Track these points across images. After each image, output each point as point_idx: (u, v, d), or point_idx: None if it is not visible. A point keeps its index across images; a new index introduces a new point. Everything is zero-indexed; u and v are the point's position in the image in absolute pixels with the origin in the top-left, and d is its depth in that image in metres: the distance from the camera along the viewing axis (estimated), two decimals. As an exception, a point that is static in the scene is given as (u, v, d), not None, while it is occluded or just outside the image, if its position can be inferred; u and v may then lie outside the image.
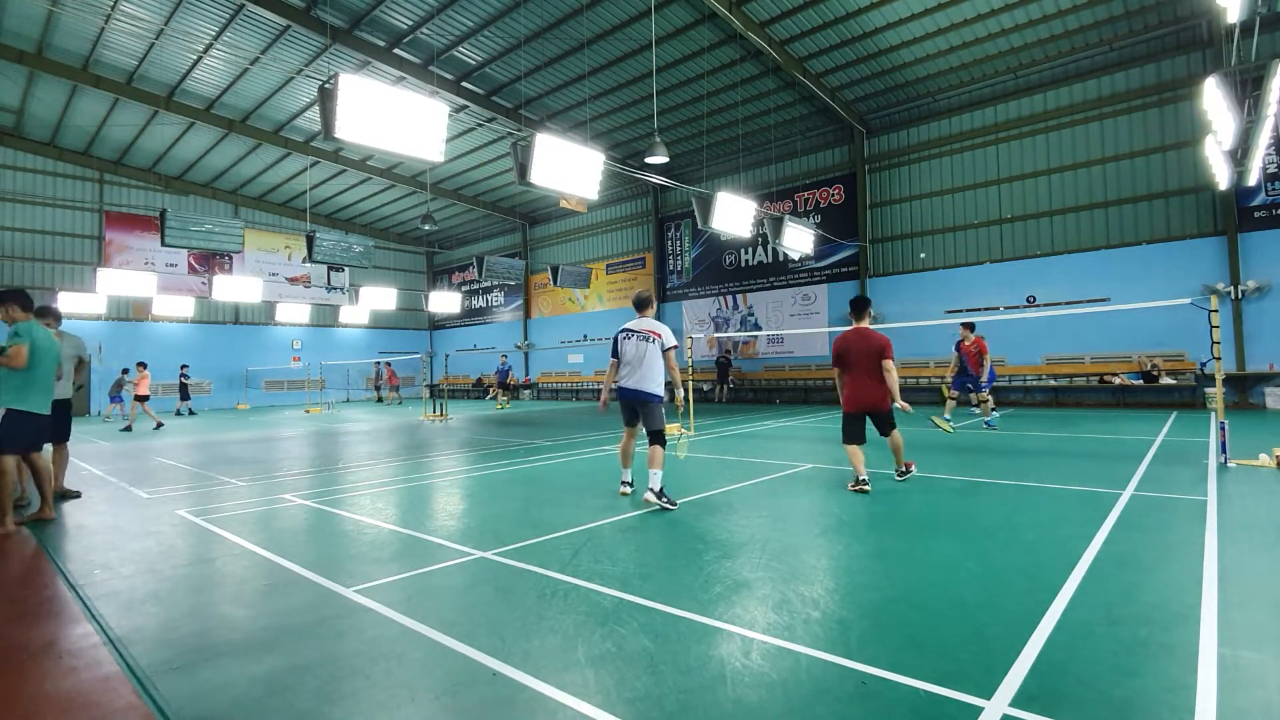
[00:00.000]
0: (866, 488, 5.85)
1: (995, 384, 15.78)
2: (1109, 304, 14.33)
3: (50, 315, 6.38)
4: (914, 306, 18.28)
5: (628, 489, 5.98)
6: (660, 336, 5.90)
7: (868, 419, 6.15)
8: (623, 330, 6.05)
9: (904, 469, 6.24)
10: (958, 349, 11.21)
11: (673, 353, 5.96)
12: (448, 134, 8.99)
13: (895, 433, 6.13)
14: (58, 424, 6.31)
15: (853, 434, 6.12)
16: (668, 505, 5.33)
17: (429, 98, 9.30)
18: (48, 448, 6.30)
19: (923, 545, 4.12)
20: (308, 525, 5.29)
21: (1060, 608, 3.00)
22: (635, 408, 5.87)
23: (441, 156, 8.71)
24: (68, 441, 6.65)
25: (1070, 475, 6.45)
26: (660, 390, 5.88)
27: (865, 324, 6.22)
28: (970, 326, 11.17)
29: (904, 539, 4.30)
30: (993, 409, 11.45)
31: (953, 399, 11.35)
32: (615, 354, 5.99)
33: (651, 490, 5.42)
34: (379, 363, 29.38)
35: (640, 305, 6.18)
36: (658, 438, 5.69)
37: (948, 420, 10.56)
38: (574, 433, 12.42)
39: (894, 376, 5.95)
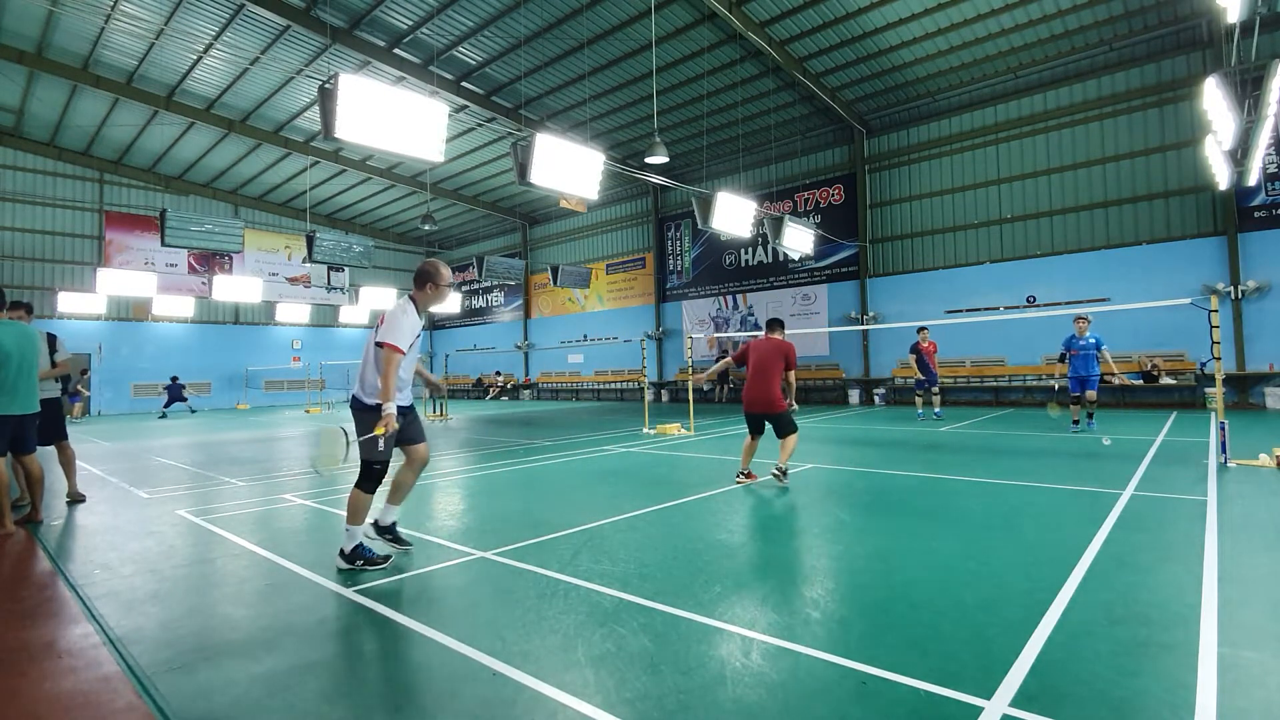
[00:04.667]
0: (741, 481, 6.35)
1: (997, 384, 17.18)
2: (1109, 304, 14.35)
3: (21, 309, 6.08)
4: (914, 306, 18.27)
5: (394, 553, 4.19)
6: (380, 324, 3.95)
7: (766, 421, 6.52)
8: None
9: (781, 469, 6.25)
10: (916, 350, 12.64)
11: (385, 353, 3.79)
12: (448, 134, 8.99)
13: (792, 438, 6.33)
14: (48, 424, 6.10)
15: (751, 429, 6.70)
16: (366, 566, 3.88)
17: (429, 98, 9.30)
18: (49, 451, 6.26)
19: (923, 545, 4.12)
20: (308, 525, 5.29)
21: (1060, 608, 3.00)
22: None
23: (441, 156, 8.72)
24: (67, 440, 6.35)
25: (1070, 475, 6.45)
26: (364, 396, 4.00)
27: (776, 336, 6.70)
28: (925, 329, 12.86)
29: (904, 539, 4.30)
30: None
31: (920, 397, 13.08)
32: None
33: (341, 552, 3.94)
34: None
35: (414, 278, 4.17)
36: (359, 476, 3.96)
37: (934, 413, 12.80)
38: (574, 433, 12.41)
39: (792, 384, 6.68)
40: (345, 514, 3.93)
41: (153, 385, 25.80)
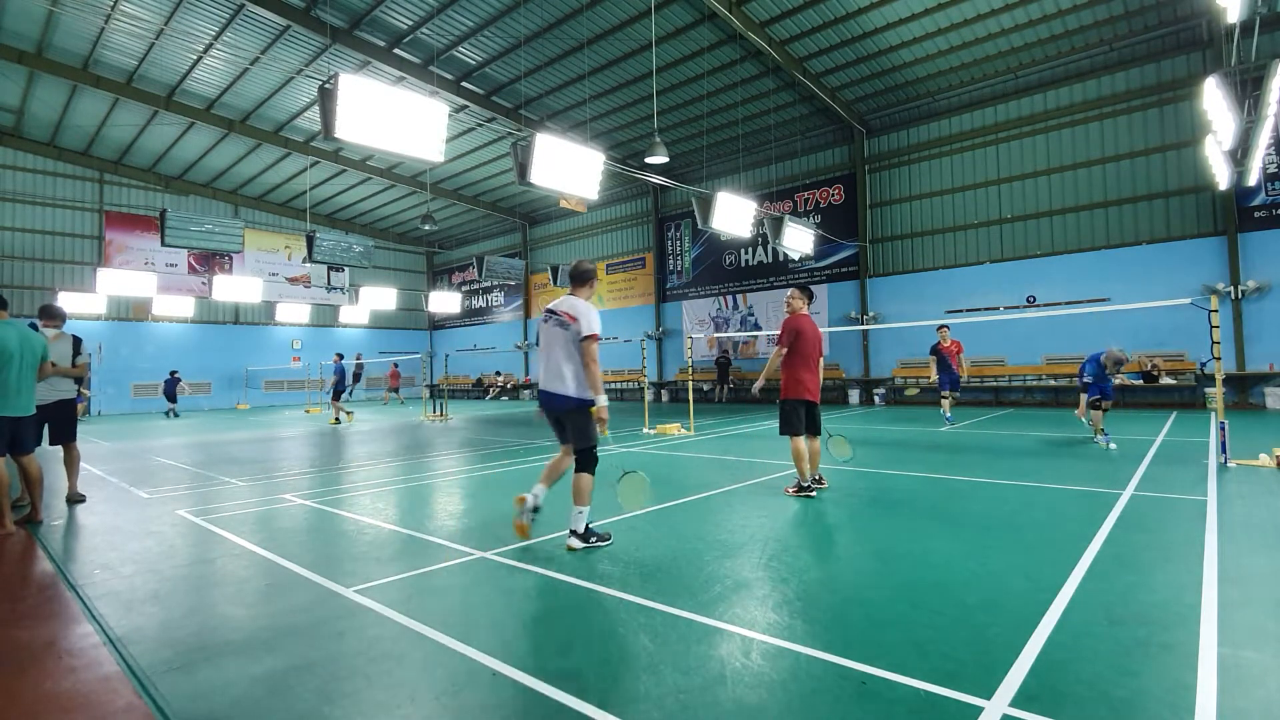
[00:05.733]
0: (814, 491, 5.71)
1: (997, 384, 17.05)
2: (1109, 304, 14.34)
3: (55, 316, 6.33)
4: (914, 306, 18.28)
5: (527, 519, 4.41)
6: (577, 321, 4.32)
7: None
8: (544, 310, 4.58)
9: (818, 478, 5.86)
10: (936, 351, 11.81)
11: (593, 345, 4.28)
12: (448, 134, 8.98)
13: (817, 440, 5.85)
14: (61, 424, 6.21)
15: (805, 423, 5.75)
16: (599, 543, 4.28)
17: (429, 98, 9.29)
18: (54, 451, 6.28)
19: (922, 545, 4.12)
20: (308, 525, 5.29)
21: (1060, 608, 3.01)
22: (558, 418, 4.44)
23: (441, 156, 8.71)
24: (75, 441, 6.37)
25: (1070, 475, 6.44)
26: (579, 393, 4.32)
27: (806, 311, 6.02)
28: (947, 328, 11.95)
29: (904, 539, 4.30)
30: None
31: (949, 398, 11.96)
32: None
33: (574, 533, 4.26)
34: (358, 359, 29.03)
35: (573, 278, 4.62)
36: (583, 460, 4.36)
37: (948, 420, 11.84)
38: (574, 433, 12.38)
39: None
40: (572, 498, 4.26)
41: (153, 385, 25.80)
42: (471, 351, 32.39)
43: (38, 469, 5.51)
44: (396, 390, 28.36)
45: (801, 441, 5.68)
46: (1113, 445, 8.25)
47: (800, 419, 5.71)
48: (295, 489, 6.92)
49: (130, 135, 22.23)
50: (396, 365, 28.98)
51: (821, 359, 5.89)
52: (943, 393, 11.92)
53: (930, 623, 2.89)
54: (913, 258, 18.68)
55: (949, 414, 11.99)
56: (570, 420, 4.32)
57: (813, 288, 20.03)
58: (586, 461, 4.33)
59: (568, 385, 4.26)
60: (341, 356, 17.68)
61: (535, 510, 4.41)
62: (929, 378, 12.01)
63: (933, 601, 3.14)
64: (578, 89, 18.23)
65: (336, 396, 16.69)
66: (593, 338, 4.25)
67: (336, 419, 16.42)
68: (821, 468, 6.19)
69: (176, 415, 22.07)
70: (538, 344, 4.56)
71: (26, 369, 5.34)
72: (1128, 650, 2.56)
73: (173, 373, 23.09)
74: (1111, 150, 15.54)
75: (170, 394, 22.53)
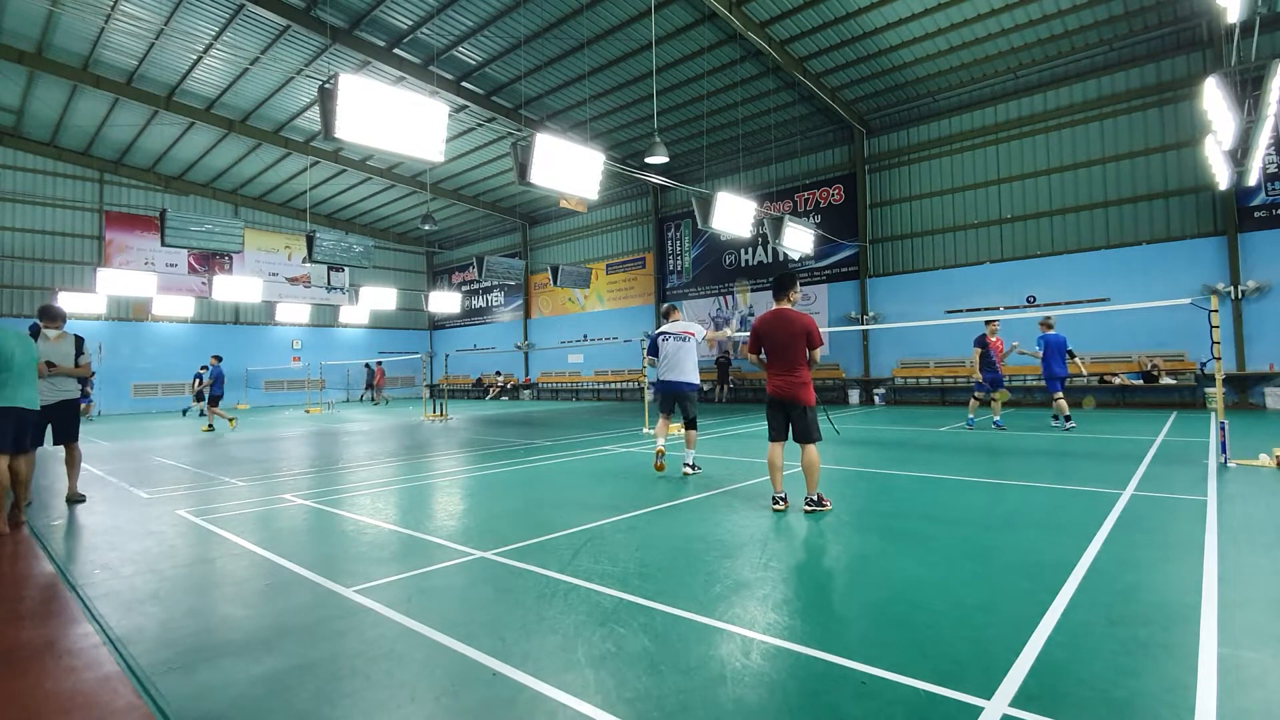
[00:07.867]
0: (779, 507, 5.14)
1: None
2: (1109, 304, 14.34)
3: (55, 317, 6.25)
4: (914, 306, 18.28)
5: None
6: (694, 334, 7.19)
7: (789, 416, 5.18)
8: (660, 333, 7.20)
9: (815, 499, 5.07)
10: (984, 344, 10.86)
11: (707, 334, 7.45)
12: (448, 134, 8.99)
13: (813, 448, 5.05)
14: (64, 424, 6.21)
15: (774, 428, 5.23)
16: (699, 470, 7.09)
17: (429, 98, 9.30)
18: (55, 451, 6.28)
19: (923, 545, 4.12)
20: (308, 525, 5.29)
21: (1060, 608, 3.00)
22: (678, 399, 7.15)
23: (441, 156, 8.71)
24: (77, 441, 6.33)
25: (1070, 475, 6.44)
26: (697, 380, 7.11)
27: (785, 305, 5.31)
28: (995, 322, 11.11)
29: (904, 539, 4.29)
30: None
31: (996, 399, 10.95)
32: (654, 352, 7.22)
33: (687, 464, 7.03)
34: (369, 364, 29.25)
35: (666, 315, 7.51)
36: (694, 423, 7.20)
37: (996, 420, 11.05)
38: (573, 433, 12.42)
39: (816, 362, 5.20)
40: (687, 445, 7.13)
41: (153, 385, 25.78)
42: (471, 351, 32.39)
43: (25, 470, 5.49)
44: (381, 389, 28.38)
45: (771, 449, 5.24)
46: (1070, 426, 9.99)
47: (770, 422, 5.26)
48: (295, 489, 6.92)
49: (130, 135, 22.23)
50: (380, 364, 28.98)
51: (810, 350, 5.07)
52: (977, 394, 11.06)
53: (930, 623, 2.89)
54: (913, 258, 18.68)
55: (998, 416, 11.04)
56: (690, 398, 7.08)
57: (813, 288, 20.16)
58: (695, 423, 7.16)
59: (692, 377, 7.05)
60: (219, 359, 16.26)
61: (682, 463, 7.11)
62: (974, 376, 10.99)
63: (933, 601, 3.14)
64: (578, 89, 18.23)
65: (215, 402, 15.60)
66: (707, 334, 7.37)
67: (210, 425, 15.55)
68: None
69: (203, 414, 21.34)
70: (656, 355, 7.16)
71: (27, 368, 5.38)
72: (1128, 650, 2.56)
73: (212, 361, 21.72)
74: (1111, 150, 15.53)
75: (201, 393, 19.96)
